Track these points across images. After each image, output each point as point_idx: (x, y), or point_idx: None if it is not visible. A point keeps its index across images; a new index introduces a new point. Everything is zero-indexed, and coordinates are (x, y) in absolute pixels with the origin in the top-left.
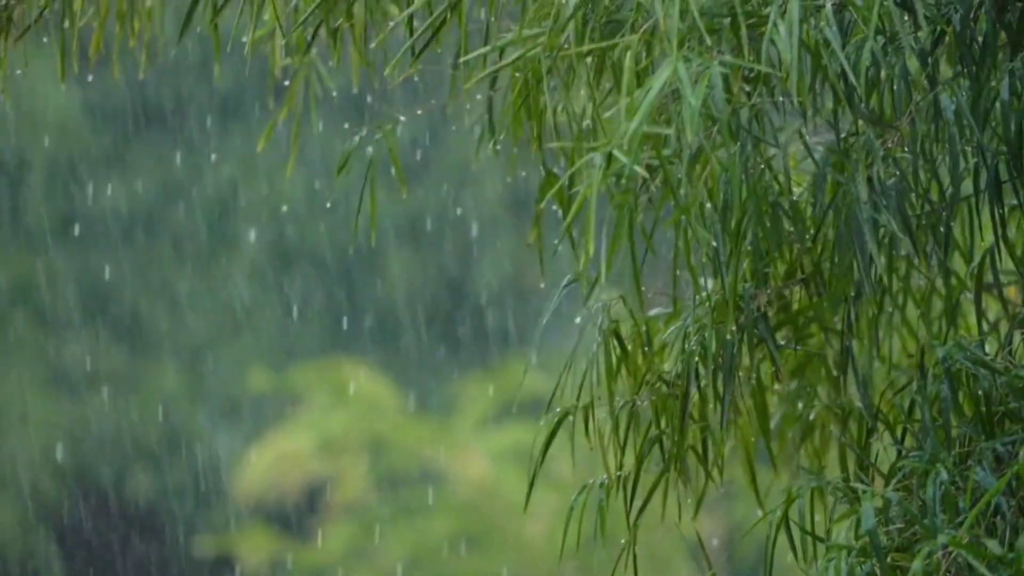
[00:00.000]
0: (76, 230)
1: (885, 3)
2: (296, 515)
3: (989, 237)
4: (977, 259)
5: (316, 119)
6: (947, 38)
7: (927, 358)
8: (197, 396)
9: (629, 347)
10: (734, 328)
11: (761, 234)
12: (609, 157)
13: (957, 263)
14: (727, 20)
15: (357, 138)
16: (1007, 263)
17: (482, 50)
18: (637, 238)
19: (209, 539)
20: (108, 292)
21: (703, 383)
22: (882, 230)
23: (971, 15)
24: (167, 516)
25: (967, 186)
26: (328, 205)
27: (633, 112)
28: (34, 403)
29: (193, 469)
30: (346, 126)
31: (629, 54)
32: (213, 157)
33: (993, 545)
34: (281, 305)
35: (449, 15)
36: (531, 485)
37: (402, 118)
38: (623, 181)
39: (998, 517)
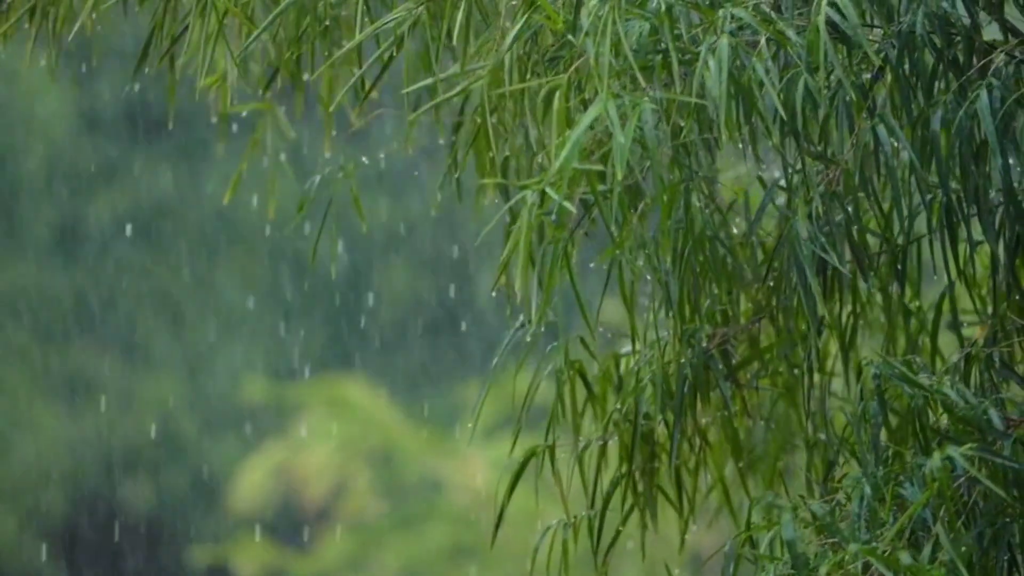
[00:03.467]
0: (73, 240)
1: (821, 41)
2: (293, 525)
3: (950, 272)
4: (936, 294)
5: (281, 165)
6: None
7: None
8: (194, 407)
9: (595, 386)
10: (686, 372)
11: (699, 268)
12: (543, 194)
13: (928, 295)
14: (659, 57)
15: (318, 178)
16: (967, 299)
17: (423, 82)
18: (583, 272)
19: (206, 549)
20: (106, 302)
21: (656, 421)
22: (825, 264)
23: (911, 50)
24: (164, 526)
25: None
26: (292, 226)
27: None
28: (32, 414)
29: (190, 479)
30: (327, 155)
31: (558, 93)
32: (206, 174)
33: (904, 556)
34: (279, 315)
35: (396, 51)
36: (496, 527)
37: (364, 159)
38: (555, 217)
39: (924, 531)
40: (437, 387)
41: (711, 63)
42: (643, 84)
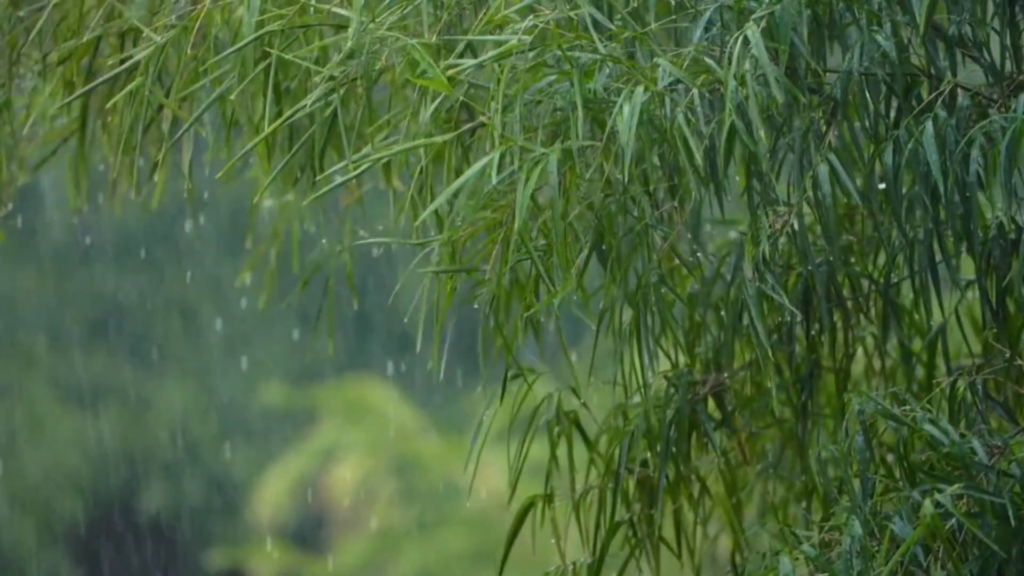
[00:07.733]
0: (88, 247)
1: (754, 82)
2: (310, 530)
3: (931, 311)
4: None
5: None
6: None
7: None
8: (212, 412)
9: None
10: (672, 419)
11: (647, 310)
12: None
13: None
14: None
15: (317, 251)
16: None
17: (344, 162)
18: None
19: (223, 553)
20: (122, 308)
21: (652, 470)
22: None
23: (859, 88)
24: (181, 531)
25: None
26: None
27: (466, 202)
28: (49, 419)
29: (207, 484)
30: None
31: (450, 151)
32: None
33: None
34: (296, 320)
35: (323, 139)
36: (500, 572)
37: (362, 231)
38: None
39: (916, 566)
40: (455, 392)
41: (625, 109)
42: (556, 139)
